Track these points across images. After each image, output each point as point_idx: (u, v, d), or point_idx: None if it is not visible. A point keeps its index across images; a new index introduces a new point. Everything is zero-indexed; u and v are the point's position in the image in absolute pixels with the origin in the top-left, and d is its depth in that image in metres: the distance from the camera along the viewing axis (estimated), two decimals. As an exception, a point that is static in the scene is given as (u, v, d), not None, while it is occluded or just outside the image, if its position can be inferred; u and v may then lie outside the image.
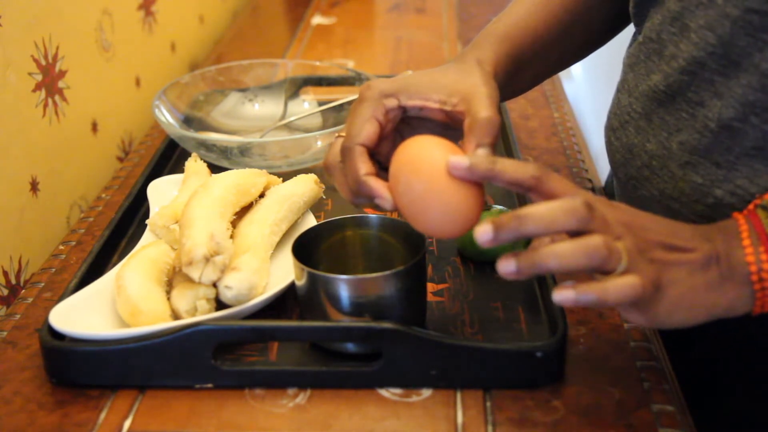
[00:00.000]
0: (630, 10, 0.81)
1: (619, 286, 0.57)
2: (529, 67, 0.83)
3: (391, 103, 0.70)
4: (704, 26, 0.69)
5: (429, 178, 0.63)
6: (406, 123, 0.73)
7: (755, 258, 0.60)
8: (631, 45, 0.84)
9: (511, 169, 0.61)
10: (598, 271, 0.58)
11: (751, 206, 0.63)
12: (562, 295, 0.58)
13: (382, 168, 0.72)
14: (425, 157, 0.64)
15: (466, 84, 0.71)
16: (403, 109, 0.71)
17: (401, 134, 0.73)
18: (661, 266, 0.59)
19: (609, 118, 0.85)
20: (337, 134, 0.73)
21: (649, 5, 0.77)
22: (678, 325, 0.60)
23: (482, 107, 0.68)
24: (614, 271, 0.58)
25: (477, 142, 0.66)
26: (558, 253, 0.58)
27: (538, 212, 0.58)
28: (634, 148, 0.78)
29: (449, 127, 0.72)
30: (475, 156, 0.63)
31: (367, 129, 0.69)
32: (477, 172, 0.62)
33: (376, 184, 0.67)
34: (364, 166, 0.68)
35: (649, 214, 0.62)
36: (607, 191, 1.00)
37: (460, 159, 0.62)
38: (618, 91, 0.83)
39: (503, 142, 1.06)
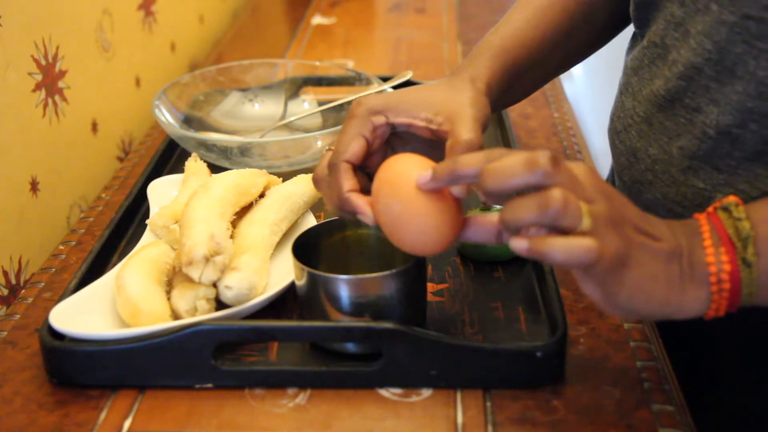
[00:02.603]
0: (631, 12, 0.81)
1: (571, 245, 0.54)
2: (527, 76, 0.82)
3: (379, 120, 0.71)
4: (702, 32, 0.69)
5: (406, 198, 0.64)
6: (397, 137, 0.74)
7: (715, 259, 0.58)
8: (632, 47, 0.84)
9: (466, 161, 0.59)
10: (556, 227, 0.56)
11: (710, 209, 0.61)
12: (516, 242, 0.56)
13: (372, 180, 0.72)
14: (404, 177, 0.64)
15: (454, 103, 0.71)
16: (392, 126, 0.72)
17: (392, 147, 0.74)
18: (631, 244, 0.57)
19: (612, 120, 0.85)
20: (327, 148, 0.73)
21: (650, 9, 0.77)
22: (631, 314, 0.58)
23: (465, 129, 0.69)
24: (573, 231, 0.55)
25: None
26: (512, 205, 0.56)
27: (498, 165, 0.57)
28: (638, 152, 0.78)
29: (437, 143, 0.72)
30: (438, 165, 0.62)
31: (353, 146, 0.70)
32: (440, 176, 0.61)
33: (358, 201, 0.68)
34: (347, 182, 0.69)
35: (625, 198, 0.60)
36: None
37: (425, 173, 0.62)
38: (621, 93, 0.83)
39: (503, 143, 1.06)
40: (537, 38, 0.82)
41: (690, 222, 0.61)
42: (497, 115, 1.11)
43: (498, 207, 0.84)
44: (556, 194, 0.55)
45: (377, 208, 0.66)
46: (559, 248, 0.55)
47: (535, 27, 0.82)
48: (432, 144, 0.72)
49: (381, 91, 1.02)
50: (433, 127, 0.71)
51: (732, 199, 0.60)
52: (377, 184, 0.67)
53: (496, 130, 1.10)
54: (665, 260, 0.58)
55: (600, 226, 0.55)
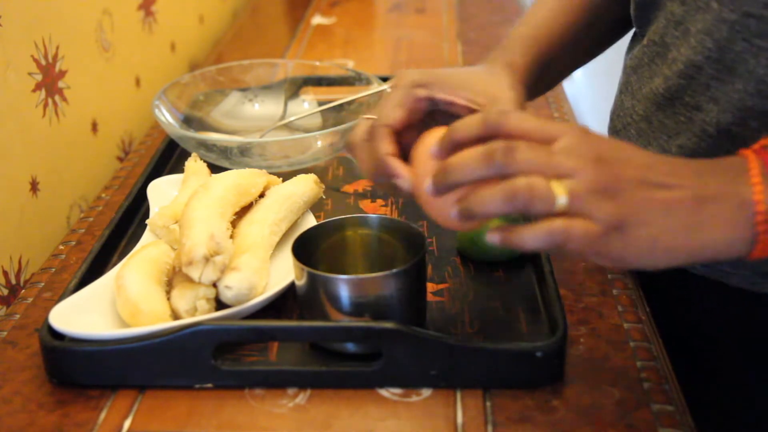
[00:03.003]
0: (631, 12, 0.81)
1: (536, 230, 0.55)
2: (550, 70, 0.84)
3: (422, 92, 0.71)
4: (702, 30, 0.69)
5: None
6: (434, 118, 0.73)
7: (765, 197, 0.55)
8: (632, 47, 0.84)
9: (462, 125, 0.59)
10: (530, 213, 0.56)
11: (759, 144, 0.58)
12: (490, 235, 0.58)
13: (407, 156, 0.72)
14: None
15: (495, 86, 0.72)
16: (433, 102, 0.72)
17: (428, 128, 0.73)
18: (629, 205, 0.55)
19: (611, 119, 0.85)
20: (363, 117, 0.74)
21: (651, 9, 0.77)
22: (656, 267, 0.57)
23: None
24: (549, 213, 0.55)
25: None
26: (480, 198, 0.57)
27: (454, 162, 0.58)
28: None
29: None
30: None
31: (395, 113, 0.70)
32: (444, 145, 0.61)
33: (396, 164, 0.68)
34: (387, 146, 0.69)
35: (636, 148, 0.59)
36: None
37: (435, 145, 0.62)
38: (621, 92, 0.84)
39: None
40: (562, 32, 0.83)
41: (732, 160, 0.58)
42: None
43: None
44: (519, 184, 0.55)
45: (414, 175, 0.65)
46: (528, 235, 0.56)
47: (561, 21, 0.83)
48: None
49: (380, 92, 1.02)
50: (474, 107, 0.71)
51: None
52: (416, 152, 0.66)
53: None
54: (688, 208, 0.56)
55: (583, 199, 0.55)
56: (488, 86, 0.72)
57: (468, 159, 0.57)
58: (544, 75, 0.82)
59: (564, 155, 0.56)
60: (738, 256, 0.57)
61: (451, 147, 0.60)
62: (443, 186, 0.59)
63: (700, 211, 0.56)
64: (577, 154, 0.56)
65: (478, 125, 0.59)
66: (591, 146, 0.57)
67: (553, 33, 0.82)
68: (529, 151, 0.56)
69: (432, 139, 0.65)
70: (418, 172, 0.65)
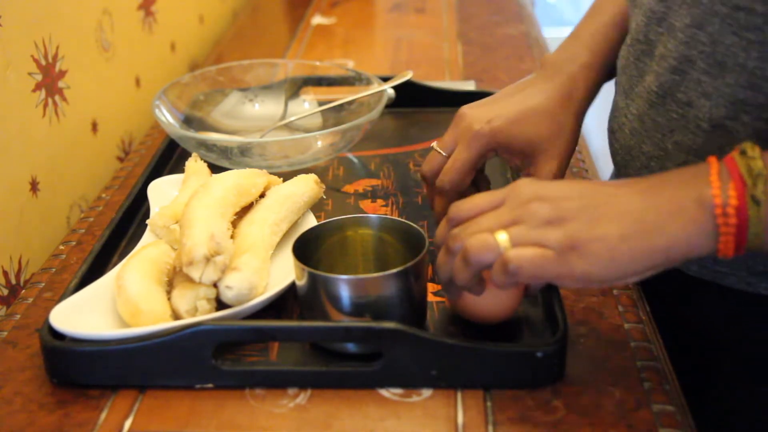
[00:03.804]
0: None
1: (495, 267, 0.61)
2: (608, 76, 0.87)
3: (491, 155, 0.80)
4: (691, 24, 0.69)
5: None
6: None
7: (721, 192, 0.57)
8: (621, 48, 0.84)
9: (438, 234, 0.68)
10: (485, 265, 0.62)
11: (728, 156, 0.61)
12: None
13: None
14: None
15: (544, 155, 0.79)
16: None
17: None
18: (577, 226, 0.59)
19: (609, 120, 0.86)
20: (433, 146, 0.82)
21: (632, 6, 0.78)
22: (628, 276, 0.60)
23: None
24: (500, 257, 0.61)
25: None
26: (455, 275, 0.64)
27: (437, 266, 0.67)
28: (632, 149, 0.79)
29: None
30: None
31: (466, 180, 0.80)
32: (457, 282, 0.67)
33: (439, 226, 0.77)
34: (439, 205, 0.81)
35: (582, 182, 0.64)
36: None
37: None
38: (616, 93, 0.84)
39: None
40: (623, 34, 0.85)
41: (695, 166, 0.61)
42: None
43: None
44: (466, 245, 0.62)
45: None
46: (493, 274, 0.62)
47: (621, 25, 0.85)
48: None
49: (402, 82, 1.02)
50: (521, 173, 0.82)
51: (748, 142, 0.60)
52: None
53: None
54: (641, 214, 0.59)
55: (527, 234, 0.60)
56: (537, 152, 0.79)
57: (440, 260, 0.66)
58: (610, 71, 0.86)
59: (505, 209, 0.62)
60: (707, 251, 0.59)
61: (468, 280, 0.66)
62: (446, 287, 0.68)
63: (657, 213, 0.59)
64: (516, 203, 0.62)
65: (446, 226, 0.67)
66: (531, 191, 0.62)
67: (614, 44, 0.85)
68: (472, 223, 0.63)
69: None
70: None
